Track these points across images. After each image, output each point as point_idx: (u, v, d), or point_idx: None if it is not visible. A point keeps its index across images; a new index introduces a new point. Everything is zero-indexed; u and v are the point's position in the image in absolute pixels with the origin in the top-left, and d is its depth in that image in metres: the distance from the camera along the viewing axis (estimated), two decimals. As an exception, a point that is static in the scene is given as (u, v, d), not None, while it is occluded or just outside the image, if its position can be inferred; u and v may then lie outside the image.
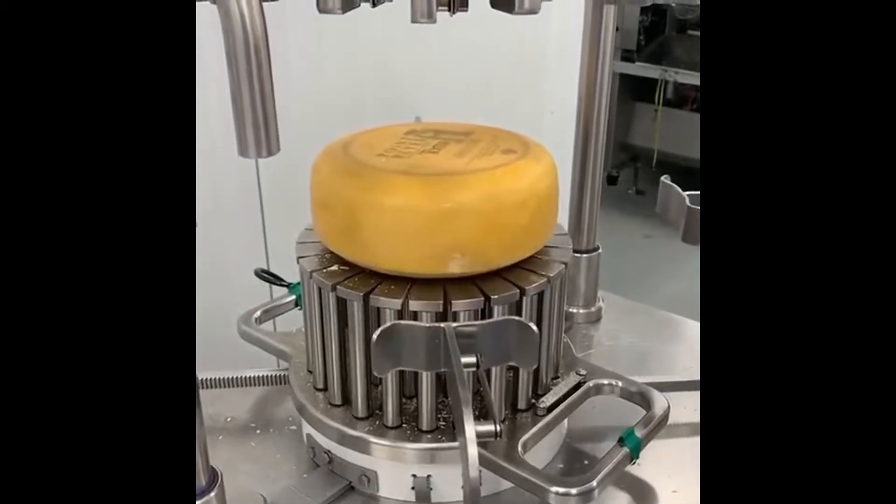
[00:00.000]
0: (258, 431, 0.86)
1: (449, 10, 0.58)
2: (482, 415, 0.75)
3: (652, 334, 1.09)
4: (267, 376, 0.88)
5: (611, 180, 4.31)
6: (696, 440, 0.87)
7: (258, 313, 0.95)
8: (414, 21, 0.53)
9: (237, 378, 0.89)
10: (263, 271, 1.04)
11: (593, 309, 1.11)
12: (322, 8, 0.52)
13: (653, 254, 3.49)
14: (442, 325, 0.57)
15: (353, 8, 0.55)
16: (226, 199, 1.38)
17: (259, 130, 0.46)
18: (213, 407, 0.89)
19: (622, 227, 3.75)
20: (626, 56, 3.97)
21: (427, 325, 0.58)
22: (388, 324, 0.59)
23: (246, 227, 1.45)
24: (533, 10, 0.54)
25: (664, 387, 0.85)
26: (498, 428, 0.54)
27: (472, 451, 0.49)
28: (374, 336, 0.57)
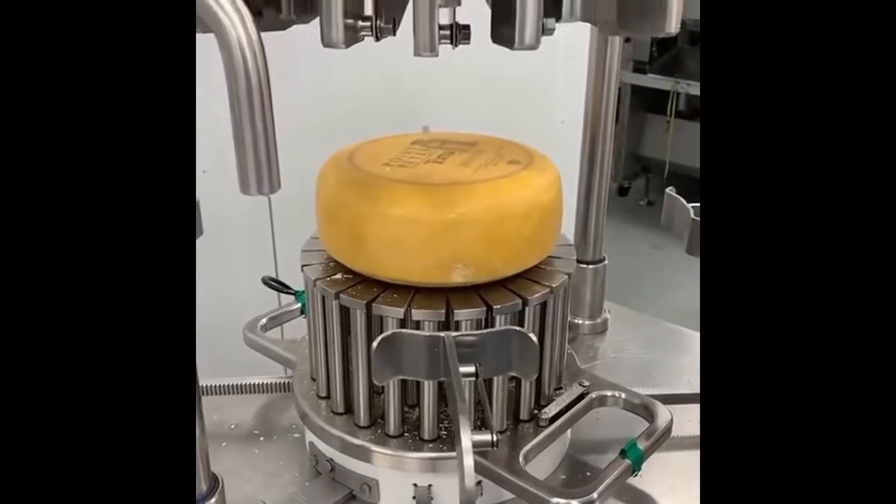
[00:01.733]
0: (262, 438, 0.87)
1: (451, 43, 0.59)
2: (484, 424, 0.76)
3: (658, 346, 1.09)
4: (271, 384, 0.88)
5: (622, 191, 4.30)
6: (695, 452, 0.87)
7: (264, 321, 0.95)
8: (417, 54, 0.54)
9: (242, 385, 0.89)
10: (271, 279, 1.04)
11: (599, 320, 1.11)
12: (326, 42, 0.52)
13: (662, 265, 3.48)
14: (442, 334, 0.57)
15: (357, 42, 0.55)
16: (235, 208, 1.39)
17: (261, 169, 0.47)
18: (217, 414, 0.90)
19: (632, 237, 3.74)
20: (639, 67, 3.98)
21: (427, 333, 0.58)
22: (388, 332, 0.59)
23: (255, 235, 1.46)
24: (532, 47, 0.54)
25: (668, 399, 0.85)
26: (494, 438, 0.54)
27: (468, 461, 0.49)
28: (375, 344, 0.57)
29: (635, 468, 0.73)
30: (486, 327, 0.70)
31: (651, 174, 4.33)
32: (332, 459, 0.78)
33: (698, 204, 0.86)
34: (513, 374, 0.63)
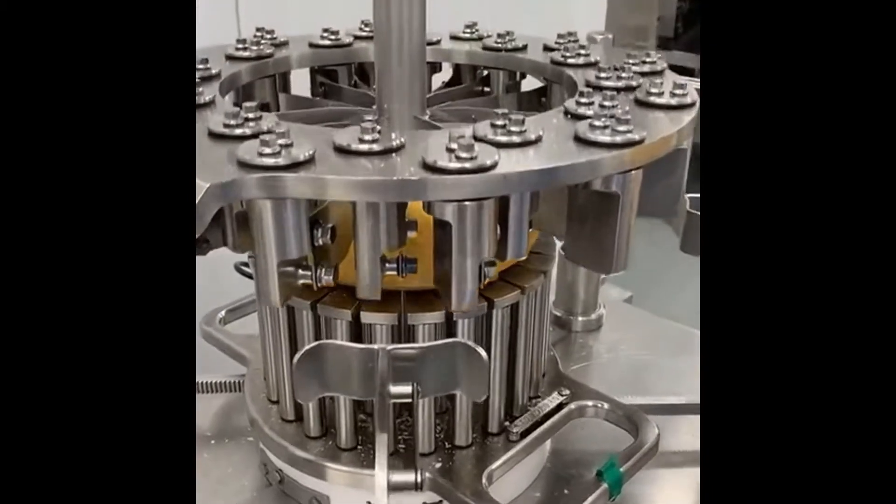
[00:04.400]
0: (213, 442, 0.80)
1: (398, 274, 0.56)
2: (448, 438, 0.68)
3: (655, 346, 1.00)
4: (223, 383, 0.82)
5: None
6: (690, 470, 0.79)
7: (222, 313, 0.89)
8: (359, 297, 0.53)
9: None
10: (244, 265, 0.98)
11: (593, 317, 1.03)
12: (263, 300, 0.54)
13: (689, 264, 3.37)
14: (376, 346, 0.50)
15: (296, 293, 0.55)
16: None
17: None
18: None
19: (660, 236, 3.63)
20: (663, 44, 3.81)
21: (360, 346, 0.50)
22: (312, 344, 0.51)
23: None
24: (468, 310, 0.55)
25: (658, 410, 0.77)
26: (418, 479, 0.46)
27: (382, 500, 0.42)
28: (296, 358, 0.50)
29: (613, 492, 0.65)
30: (448, 333, 0.63)
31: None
32: (281, 470, 0.71)
33: (696, 195, 0.76)
34: (459, 392, 0.55)
